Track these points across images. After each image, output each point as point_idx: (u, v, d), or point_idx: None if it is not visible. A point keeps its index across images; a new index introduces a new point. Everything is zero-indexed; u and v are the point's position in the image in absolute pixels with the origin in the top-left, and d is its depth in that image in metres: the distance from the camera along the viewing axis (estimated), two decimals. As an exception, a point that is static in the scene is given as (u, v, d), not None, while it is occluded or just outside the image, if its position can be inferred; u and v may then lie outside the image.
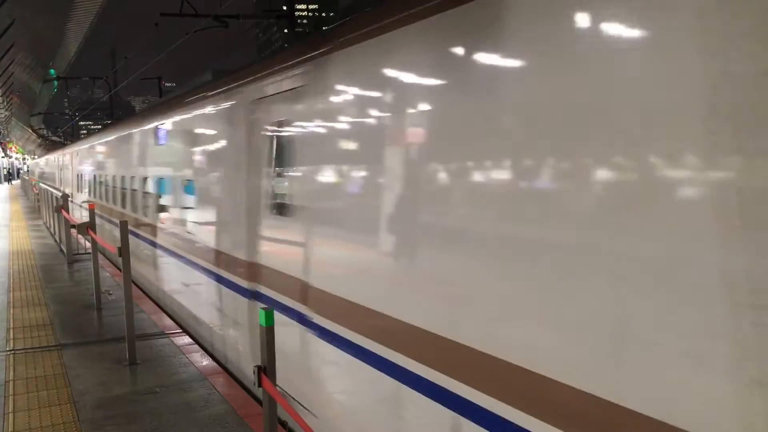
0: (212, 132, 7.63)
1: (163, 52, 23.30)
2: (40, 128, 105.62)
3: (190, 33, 20.60)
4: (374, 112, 4.14)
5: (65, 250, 14.57)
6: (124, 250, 7.09)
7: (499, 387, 3.06)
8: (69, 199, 16.97)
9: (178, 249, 9.08)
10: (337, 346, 4.57)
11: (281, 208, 5.70)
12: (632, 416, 2.42)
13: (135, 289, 9.73)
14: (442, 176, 3.46)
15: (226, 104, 7.03)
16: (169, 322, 8.91)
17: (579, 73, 2.65)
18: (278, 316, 5.08)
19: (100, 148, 17.44)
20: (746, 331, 2.05)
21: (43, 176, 48.09)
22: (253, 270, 6.16)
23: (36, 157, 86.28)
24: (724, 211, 2.11)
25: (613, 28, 2.49)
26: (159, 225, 10.28)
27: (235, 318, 6.71)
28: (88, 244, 13.20)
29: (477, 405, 3.20)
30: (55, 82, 53.40)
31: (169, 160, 9.79)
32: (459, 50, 3.36)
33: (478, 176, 3.20)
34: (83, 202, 19.82)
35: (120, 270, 8.38)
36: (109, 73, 52.74)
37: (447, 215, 3.43)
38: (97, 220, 12.96)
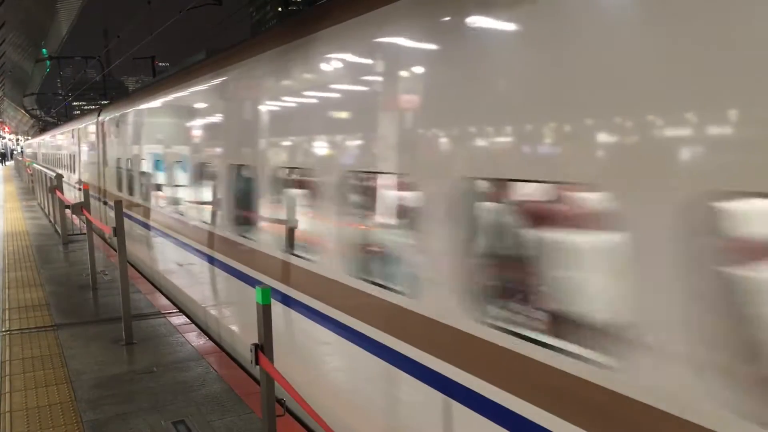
0: None
1: (156, 31, 23.04)
2: (33, 109, 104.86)
3: (183, 11, 20.36)
4: None
5: (60, 231, 14.53)
6: (119, 231, 7.06)
7: None
8: None
9: None
10: None
11: None
12: None
13: (129, 269, 9.69)
14: None
15: None
16: (164, 301, 8.89)
17: None
18: None
19: None
20: None
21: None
22: None
23: (30, 138, 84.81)
24: None
25: None
26: None
27: None
28: (83, 225, 13.14)
29: None
30: (48, 62, 52.94)
31: None
32: None
33: None
34: None
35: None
36: (101, 52, 52.24)
37: None
38: None
